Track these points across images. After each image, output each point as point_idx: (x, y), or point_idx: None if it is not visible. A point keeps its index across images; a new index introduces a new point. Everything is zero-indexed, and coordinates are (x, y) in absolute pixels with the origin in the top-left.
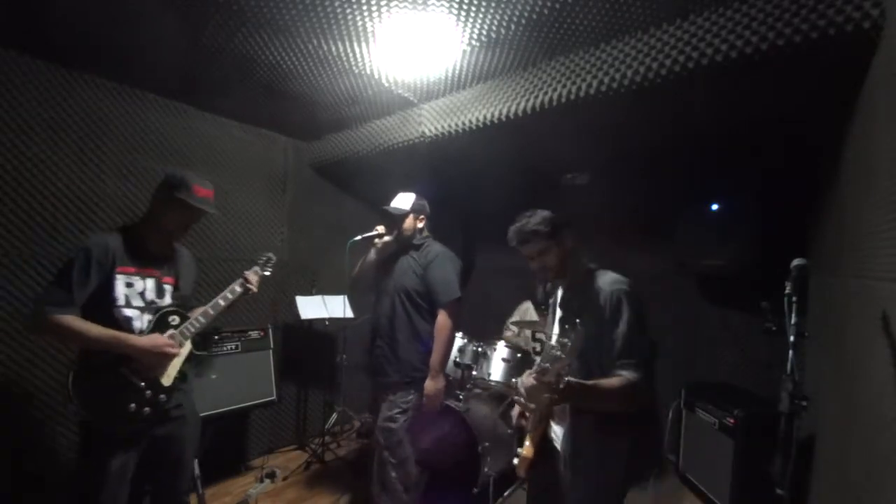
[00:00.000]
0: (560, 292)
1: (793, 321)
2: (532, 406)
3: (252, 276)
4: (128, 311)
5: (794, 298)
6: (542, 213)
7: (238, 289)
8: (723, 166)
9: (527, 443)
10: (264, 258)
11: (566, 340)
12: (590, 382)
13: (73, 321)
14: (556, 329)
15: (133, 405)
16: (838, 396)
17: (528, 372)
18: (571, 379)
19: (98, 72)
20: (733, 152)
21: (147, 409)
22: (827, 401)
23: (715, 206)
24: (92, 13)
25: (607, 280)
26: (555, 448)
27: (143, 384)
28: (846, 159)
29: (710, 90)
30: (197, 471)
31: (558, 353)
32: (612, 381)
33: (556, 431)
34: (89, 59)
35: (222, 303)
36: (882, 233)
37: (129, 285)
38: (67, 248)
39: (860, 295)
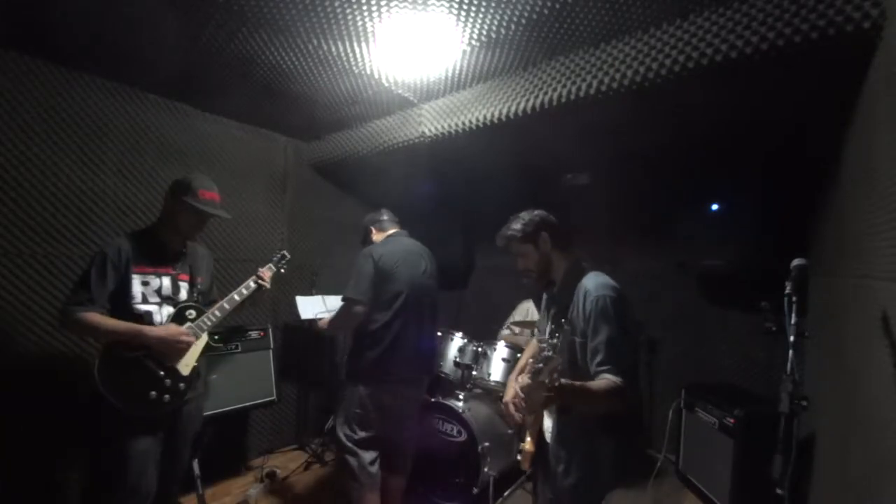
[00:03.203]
0: (554, 290)
1: (793, 321)
2: (530, 406)
3: (266, 272)
4: (146, 307)
5: (794, 298)
6: (525, 217)
7: (252, 284)
8: (723, 166)
9: (527, 437)
10: (278, 255)
11: (555, 340)
12: (578, 384)
13: (94, 317)
14: (548, 328)
15: (154, 392)
16: (838, 396)
17: (522, 375)
18: (563, 380)
19: (98, 72)
20: (733, 152)
21: (167, 396)
22: (827, 401)
23: (715, 207)
24: (92, 13)
25: (595, 283)
26: (546, 442)
27: (161, 373)
28: (846, 159)
29: (710, 90)
30: (197, 471)
31: (549, 353)
32: (598, 384)
33: (548, 425)
34: (89, 59)
35: (237, 297)
36: (882, 233)
37: (144, 283)
38: (67, 248)
39: (860, 295)
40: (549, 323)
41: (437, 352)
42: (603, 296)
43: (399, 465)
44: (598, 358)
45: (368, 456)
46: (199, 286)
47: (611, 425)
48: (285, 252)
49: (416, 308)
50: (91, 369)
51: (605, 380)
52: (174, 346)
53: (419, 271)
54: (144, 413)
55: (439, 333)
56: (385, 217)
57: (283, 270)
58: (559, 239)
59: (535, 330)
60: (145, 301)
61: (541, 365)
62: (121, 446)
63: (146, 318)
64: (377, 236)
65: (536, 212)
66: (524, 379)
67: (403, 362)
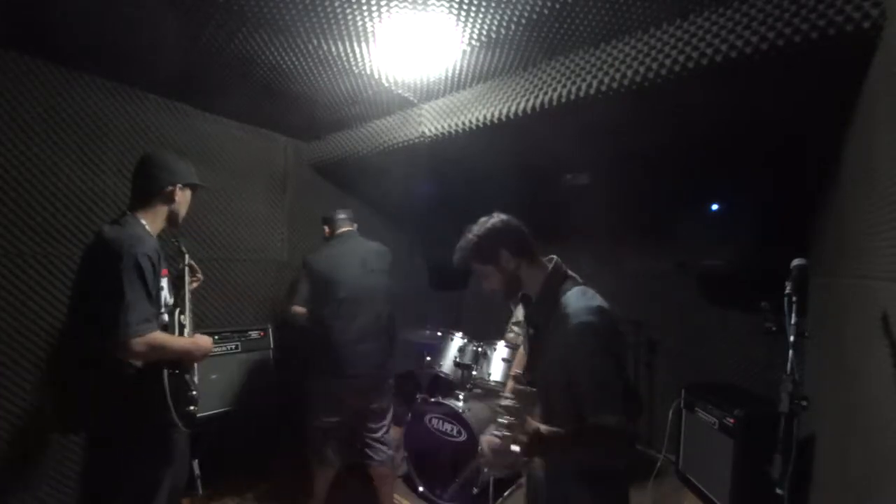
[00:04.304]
0: (530, 305)
1: (793, 321)
2: (501, 466)
3: (193, 264)
4: (165, 317)
5: (794, 298)
6: (478, 231)
7: (189, 278)
8: (723, 166)
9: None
10: (179, 244)
11: (516, 405)
12: (563, 432)
13: (164, 336)
14: (526, 348)
15: (192, 407)
16: (838, 396)
17: (490, 428)
18: (542, 428)
19: (98, 72)
20: (733, 152)
21: (195, 407)
22: (827, 401)
23: (715, 207)
24: (92, 13)
25: (576, 307)
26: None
27: (192, 385)
28: (846, 159)
29: (710, 90)
30: (197, 471)
31: (510, 419)
32: (589, 432)
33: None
34: (89, 59)
35: (190, 295)
36: (882, 233)
37: (162, 288)
38: (67, 248)
39: (860, 295)
40: (527, 345)
41: (385, 348)
42: (586, 322)
43: (378, 458)
44: (590, 405)
45: (323, 441)
46: None
47: (607, 468)
48: (176, 240)
49: (355, 308)
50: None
51: (594, 424)
52: (207, 356)
53: (356, 272)
54: (191, 429)
55: (439, 333)
56: (341, 216)
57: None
58: (524, 249)
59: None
60: (164, 310)
61: (506, 432)
62: (167, 469)
63: (165, 329)
64: (329, 234)
65: (491, 221)
66: (492, 438)
67: (348, 359)
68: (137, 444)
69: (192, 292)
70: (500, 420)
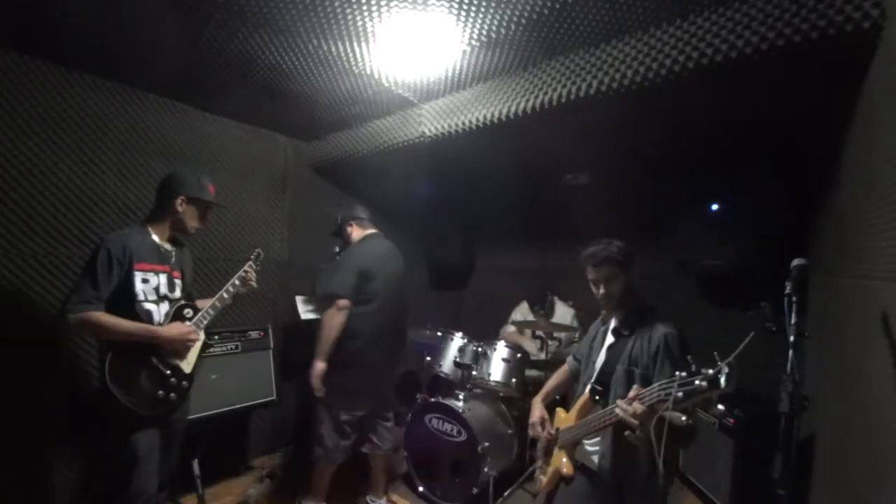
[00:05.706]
0: (613, 322)
1: (793, 321)
2: (637, 434)
3: (250, 271)
4: (147, 306)
5: (794, 298)
6: (618, 243)
7: (237, 283)
8: (723, 166)
9: (564, 459)
10: (255, 253)
11: (720, 376)
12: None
13: (105, 317)
14: (601, 356)
15: (161, 392)
16: (838, 396)
17: (631, 397)
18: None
19: (98, 72)
20: (733, 152)
21: (172, 394)
22: (827, 401)
23: (715, 206)
24: (92, 13)
25: (666, 322)
26: (584, 464)
27: (168, 372)
28: (846, 159)
29: (710, 90)
30: (197, 471)
31: (702, 382)
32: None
33: (591, 449)
34: (89, 59)
35: (226, 296)
36: (882, 233)
37: (145, 281)
38: (67, 248)
39: (860, 295)
40: (604, 352)
41: (402, 343)
42: (673, 333)
43: (384, 446)
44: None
45: (341, 435)
46: (186, 284)
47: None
48: (259, 251)
49: (386, 304)
50: (93, 369)
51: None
52: (185, 344)
53: (393, 272)
54: (153, 412)
55: (439, 333)
56: (363, 215)
57: (258, 267)
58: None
59: (571, 357)
60: (146, 299)
61: (680, 394)
62: (129, 447)
63: (145, 317)
64: (357, 233)
65: (621, 243)
66: (637, 405)
67: (381, 350)
68: (99, 420)
69: (235, 297)
70: (662, 392)
